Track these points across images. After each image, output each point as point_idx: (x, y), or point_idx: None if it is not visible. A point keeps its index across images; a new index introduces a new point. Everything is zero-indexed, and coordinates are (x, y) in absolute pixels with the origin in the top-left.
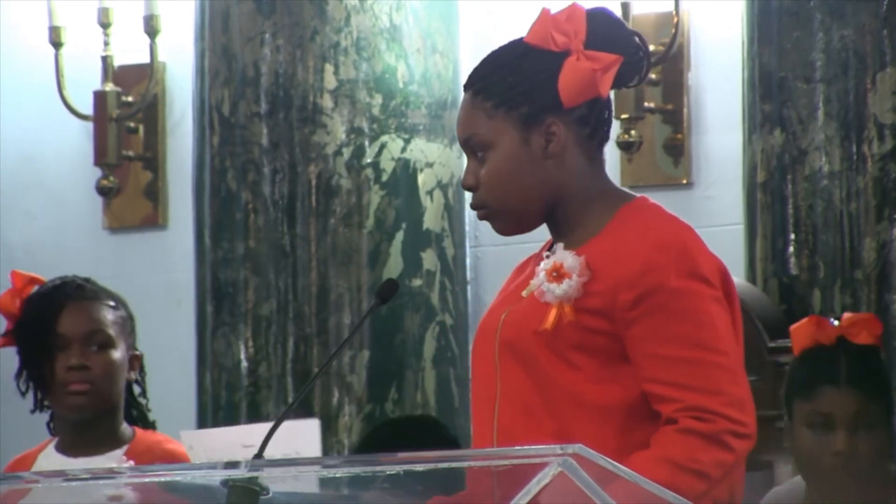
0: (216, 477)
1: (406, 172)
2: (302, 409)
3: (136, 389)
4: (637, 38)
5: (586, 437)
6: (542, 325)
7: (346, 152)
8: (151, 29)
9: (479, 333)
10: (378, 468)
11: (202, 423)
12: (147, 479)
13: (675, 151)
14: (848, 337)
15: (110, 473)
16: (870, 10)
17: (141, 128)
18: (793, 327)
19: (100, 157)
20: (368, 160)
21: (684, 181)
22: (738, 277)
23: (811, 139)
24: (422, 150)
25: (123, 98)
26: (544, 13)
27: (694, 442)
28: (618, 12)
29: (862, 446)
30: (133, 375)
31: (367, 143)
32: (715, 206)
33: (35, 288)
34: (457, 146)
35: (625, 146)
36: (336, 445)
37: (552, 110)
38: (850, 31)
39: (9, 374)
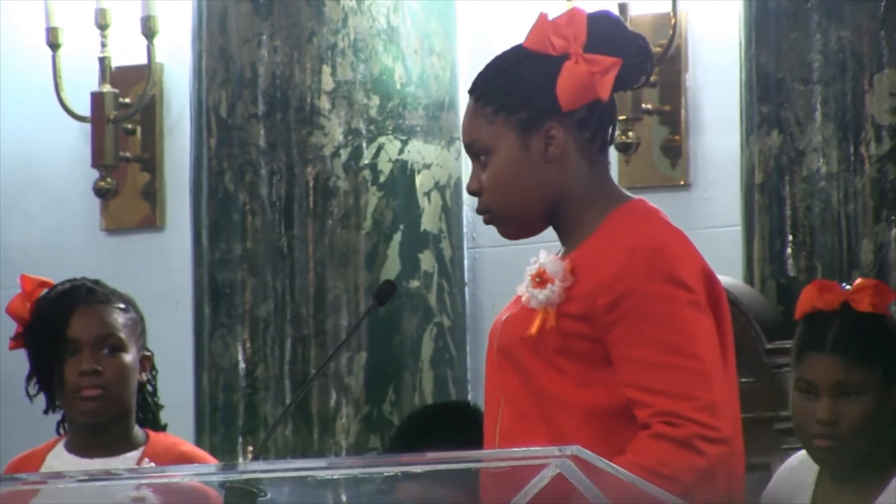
0: (215, 478)
1: (404, 174)
2: (298, 411)
3: (148, 389)
4: (640, 41)
5: (575, 440)
6: (528, 332)
7: (344, 154)
8: (149, 30)
9: (489, 338)
10: (376, 470)
11: (200, 424)
12: (147, 480)
13: (672, 153)
14: (852, 303)
15: (135, 474)
16: (867, 11)
17: (138, 129)
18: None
19: (97, 159)
20: (366, 161)
21: (682, 182)
22: (736, 279)
23: (809, 140)
24: (419, 151)
25: (121, 99)
26: (542, 18)
27: (664, 447)
28: (615, 13)
29: (845, 414)
30: (144, 376)
31: (364, 144)
32: (712, 208)
33: (44, 291)
34: (454, 147)
35: (622, 147)
36: (334, 447)
37: (551, 114)
38: (847, 33)
39: (9, 374)
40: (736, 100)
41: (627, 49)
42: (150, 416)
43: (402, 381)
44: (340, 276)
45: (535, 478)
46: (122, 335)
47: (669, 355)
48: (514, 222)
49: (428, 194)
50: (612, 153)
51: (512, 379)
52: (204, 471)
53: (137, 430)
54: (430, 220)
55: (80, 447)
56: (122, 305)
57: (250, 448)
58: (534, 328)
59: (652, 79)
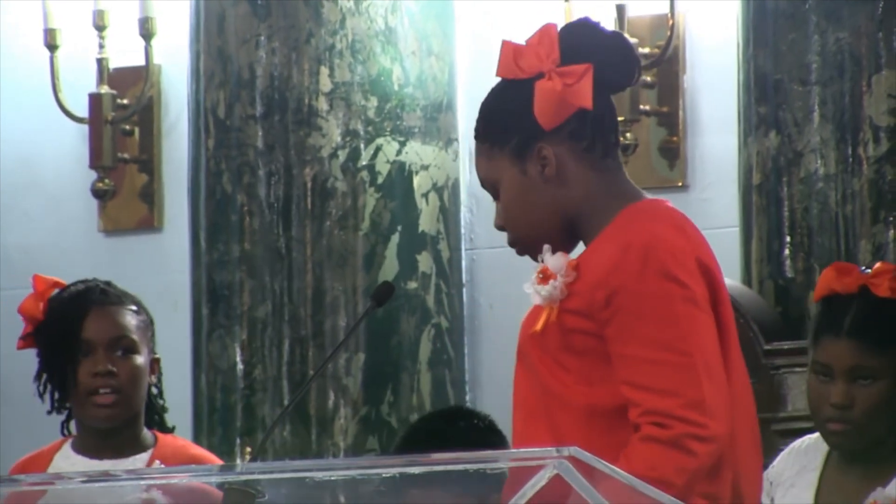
0: (213, 479)
1: (401, 175)
2: (296, 412)
3: (154, 391)
4: (616, 39)
5: (574, 438)
6: (534, 328)
7: (342, 155)
8: (147, 31)
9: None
10: (374, 471)
11: (198, 425)
12: (147, 480)
13: (670, 154)
14: (870, 287)
15: (134, 475)
16: (865, 12)
17: (136, 130)
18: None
19: (95, 160)
20: (364, 163)
21: (680, 184)
22: (734, 280)
23: (807, 141)
24: (417, 152)
25: (119, 100)
26: (505, 45)
27: (654, 450)
28: (613, 15)
29: (859, 399)
30: (153, 379)
31: (362, 145)
32: (710, 209)
33: (57, 291)
34: (452, 149)
35: (620, 149)
36: (332, 448)
37: (538, 136)
38: (845, 34)
39: (9, 374)
40: (734, 101)
41: (599, 51)
42: (156, 417)
43: (400, 382)
44: (338, 277)
45: (533, 479)
46: (135, 337)
47: (659, 351)
48: (538, 245)
49: (426, 195)
50: None
51: (524, 377)
52: (202, 472)
53: (146, 433)
54: (427, 222)
55: (89, 448)
56: (134, 307)
57: (248, 449)
58: (539, 324)
59: (650, 80)
